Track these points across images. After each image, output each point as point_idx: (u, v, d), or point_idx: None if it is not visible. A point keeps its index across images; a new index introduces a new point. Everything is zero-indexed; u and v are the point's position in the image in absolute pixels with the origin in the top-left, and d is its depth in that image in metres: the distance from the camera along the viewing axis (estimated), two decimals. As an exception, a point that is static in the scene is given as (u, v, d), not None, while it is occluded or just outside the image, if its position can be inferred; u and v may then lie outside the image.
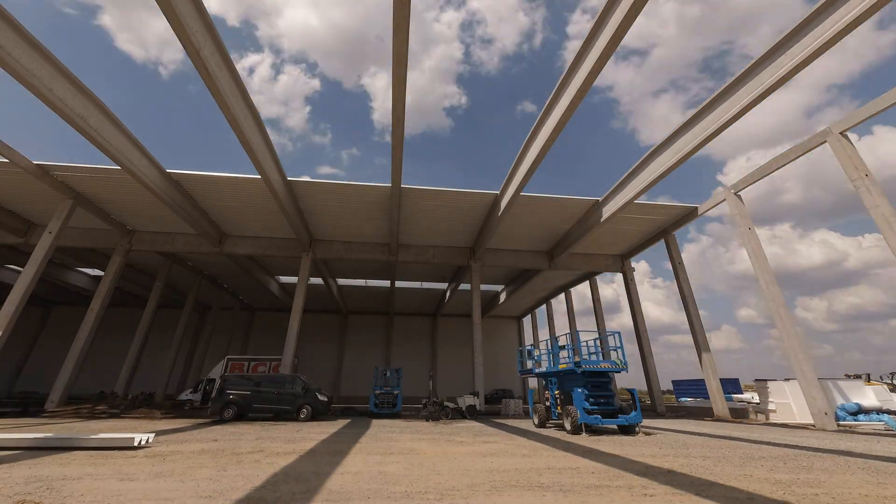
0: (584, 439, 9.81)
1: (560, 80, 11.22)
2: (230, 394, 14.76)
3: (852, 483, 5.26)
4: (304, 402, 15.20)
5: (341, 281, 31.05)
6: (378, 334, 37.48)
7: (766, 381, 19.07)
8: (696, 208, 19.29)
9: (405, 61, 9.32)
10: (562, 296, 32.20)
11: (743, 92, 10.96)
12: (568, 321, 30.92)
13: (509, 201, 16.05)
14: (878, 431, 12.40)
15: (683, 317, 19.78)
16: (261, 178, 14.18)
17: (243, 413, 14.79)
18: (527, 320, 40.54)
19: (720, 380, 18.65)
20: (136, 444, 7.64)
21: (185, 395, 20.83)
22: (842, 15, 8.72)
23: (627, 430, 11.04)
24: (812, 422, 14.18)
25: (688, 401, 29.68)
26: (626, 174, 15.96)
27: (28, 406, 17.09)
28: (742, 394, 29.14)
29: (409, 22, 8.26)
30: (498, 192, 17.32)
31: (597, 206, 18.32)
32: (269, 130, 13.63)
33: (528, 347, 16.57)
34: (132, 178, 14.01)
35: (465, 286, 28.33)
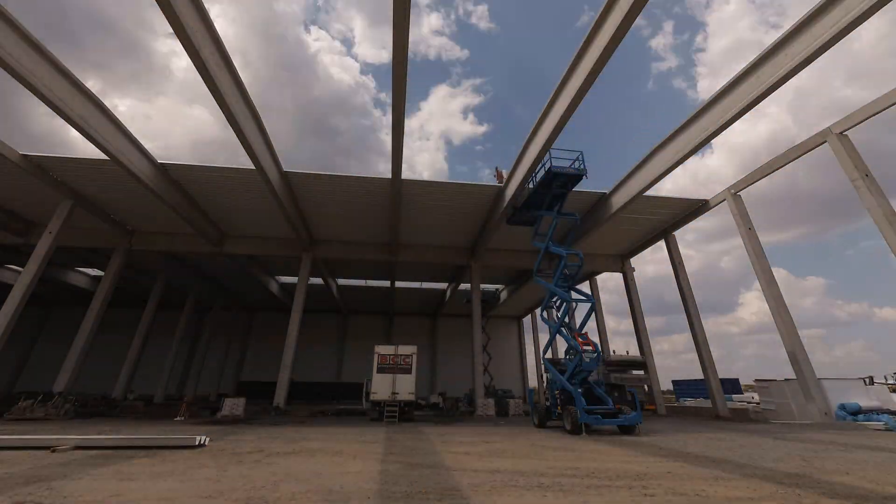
0: (584, 439, 9.81)
1: (560, 80, 11.23)
2: None
3: (853, 483, 5.26)
4: None
5: (341, 281, 31.04)
6: (378, 334, 37.41)
7: (766, 381, 19.09)
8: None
9: (405, 61, 9.32)
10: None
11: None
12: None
13: (513, 195, 15.72)
14: (878, 431, 12.39)
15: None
16: (256, 169, 13.85)
17: None
18: (527, 320, 40.54)
19: (720, 380, 18.65)
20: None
21: None
22: (840, 15, 8.73)
23: (627, 429, 11.05)
24: (812, 421, 14.18)
25: (688, 401, 29.70)
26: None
27: None
28: (742, 394, 29.22)
29: (409, 21, 8.25)
30: (502, 185, 16.95)
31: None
32: (269, 130, 13.61)
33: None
34: (133, 178, 14.01)
35: (465, 286, 28.31)
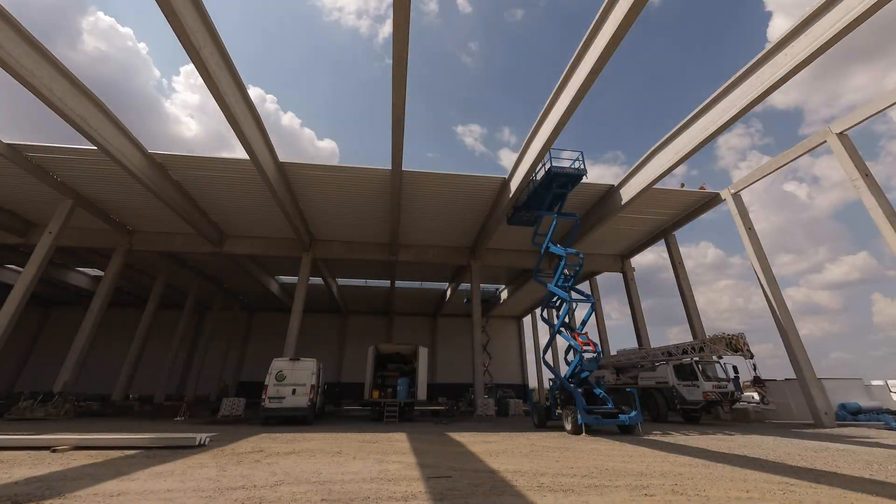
0: (583, 439, 9.81)
1: (560, 80, 11.25)
2: None
3: (853, 481, 5.26)
4: None
5: (341, 281, 31.03)
6: (378, 334, 37.39)
7: (766, 381, 19.05)
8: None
9: (405, 62, 9.32)
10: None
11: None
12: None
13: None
14: (879, 430, 12.39)
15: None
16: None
17: None
18: (527, 320, 40.53)
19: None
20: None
21: None
22: (840, 15, 8.73)
23: (627, 429, 11.04)
24: (812, 421, 14.18)
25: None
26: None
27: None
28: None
29: (408, 22, 8.26)
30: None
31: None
32: (269, 130, 13.60)
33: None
34: (134, 179, 14.02)
35: (465, 286, 28.32)
